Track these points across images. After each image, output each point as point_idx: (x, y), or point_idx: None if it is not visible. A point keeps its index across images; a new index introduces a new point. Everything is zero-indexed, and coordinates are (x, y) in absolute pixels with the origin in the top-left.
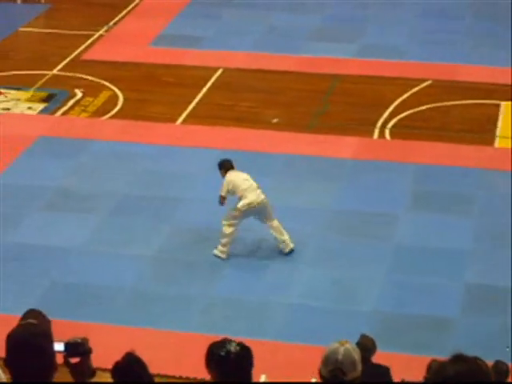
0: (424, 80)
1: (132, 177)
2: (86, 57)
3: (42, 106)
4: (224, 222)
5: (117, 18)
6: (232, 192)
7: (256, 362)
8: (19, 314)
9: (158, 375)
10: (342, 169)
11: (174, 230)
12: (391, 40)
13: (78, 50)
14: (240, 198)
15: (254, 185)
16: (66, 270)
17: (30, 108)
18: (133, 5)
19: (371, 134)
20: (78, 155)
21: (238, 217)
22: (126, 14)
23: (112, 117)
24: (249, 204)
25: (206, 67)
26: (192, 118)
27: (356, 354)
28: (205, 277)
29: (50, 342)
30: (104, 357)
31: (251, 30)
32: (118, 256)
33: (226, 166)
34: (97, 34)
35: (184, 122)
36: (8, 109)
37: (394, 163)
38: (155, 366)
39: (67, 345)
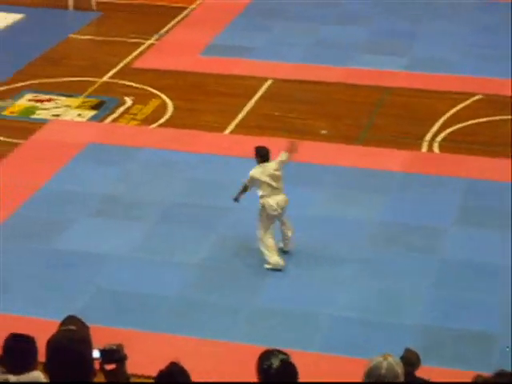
0: (473, 94)
1: (179, 185)
2: (136, 65)
3: (91, 113)
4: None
5: (168, 27)
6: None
7: (300, 374)
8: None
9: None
10: (390, 182)
11: (220, 238)
12: (441, 53)
13: (129, 58)
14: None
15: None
16: (111, 277)
17: (79, 115)
18: (184, 14)
19: (420, 147)
20: (126, 163)
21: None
22: (177, 23)
23: (161, 125)
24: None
25: (255, 77)
26: (240, 128)
27: (399, 368)
28: (250, 286)
29: (89, 348)
30: (147, 364)
31: (301, 41)
32: (164, 264)
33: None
34: (147, 43)
35: (232, 131)
36: (58, 115)
37: (443, 177)
38: (197, 374)
39: (103, 351)
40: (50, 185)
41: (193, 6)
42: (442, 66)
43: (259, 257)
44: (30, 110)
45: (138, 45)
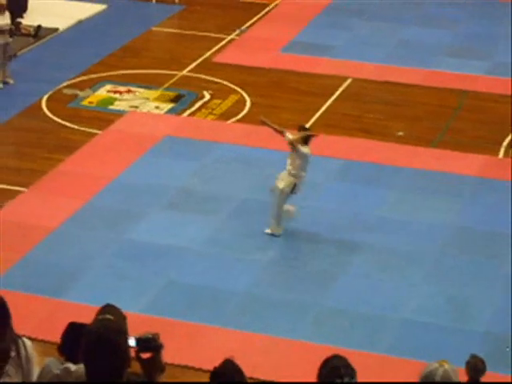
0: None
1: (254, 181)
2: (216, 59)
3: (169, 105)
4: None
5: (249, 23)
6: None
7: (365, 374)
8: (133, 311)
9: (263, 382)
10: (465, 186)
11: (293, 237)
12: None
13: (209, 53)
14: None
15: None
16: (182, 270)
17: (157, 107)
18: (266, 10)
19: (497, 152)
20: (202, 157)
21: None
22: (259, 19)
23: (238, 121)
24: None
25: (335, 76)
26: (318, 127)
27: (454, 376)
28: (320, 286)
29: (125, 339)
30: (213, 358)
31: (382, 42)
32: (235, 260)
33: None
34: (229, 38)
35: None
36: (136, 107)
37: None
38: (262, 371)
39: (139, 340)
40: (124, 176)
41: (276, 2)
42: None
43: (331, 257)
44: (109, 101)
45: (220, 39)
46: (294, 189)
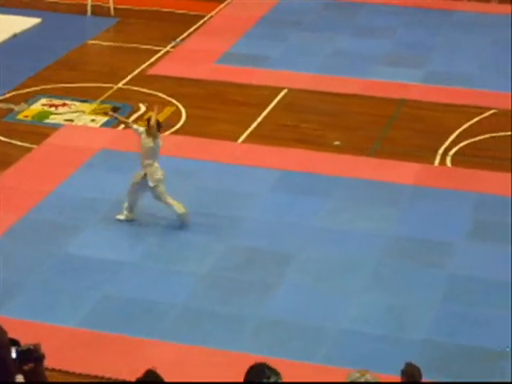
0: (489, 109)
1: (190, 193)
2: (151, 72)
3: (105, 119)
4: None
5: (184, 35)
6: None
7: None
8: (69, 325)
9: None
10: (402, 195)
11: (229, 248)
12: (458, 67)
13: (145, 65)
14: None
15: None
16: (118, 283)
17: (93, 120)
18: (200, 22)
19: (433, 160)
20: (138, 169)
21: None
22: (194, 31)
23: (174, 133)
24: None
25: (270, 87)
26: (254, 137)
27: None
28: (257, 297)
29: (9, 352)
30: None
31: (317, 52)
32: (172, 272)
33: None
34: (164, 50)
35: (246, 140)
36: (71, 120)
37: (455, 191)
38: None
39: (19, 352)
40: (61, 189)
41: (210, 14)
42: (458, 80)
43: (268, 267)
44: (44, 115)
45: (155, 52)
46: (144, 178)
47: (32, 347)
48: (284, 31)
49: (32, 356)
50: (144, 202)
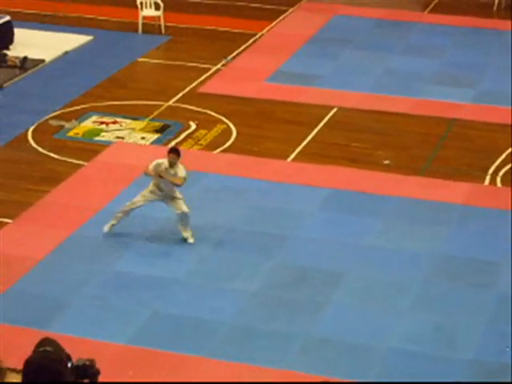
0: None
1: (239, 211)
2: (202, 90)
3: (155, 136)
4: None
5: (235, 53)
6: None
7: None
8: (119, 342)
9: None
10: (451, 214)
11: (278, 266)
12: (509, 87)
13: (195, 83)
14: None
15: None
16: (167, 300)
17: (143, 138)
18: (251, 41)
19: (483, 180)
20: (189, 187)
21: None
22: (244, 49)
23: (224, 151)
24: None
25: (320, 105)
26: (304, 156)
27: None
28: (306, 315)
29: (66, 368)
30: None
31: (368, 70)
32: (220, 290)
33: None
34: (214, 68)
35: (295, 159)
36: (122, 138)
37: (504, 211)
38: None
39: (76, 367)
40: (110, 207)
41: (261, 32)
42: (509, 100)
43: (317, 286)
44: (94, 132)
45: (205, 70)
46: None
47: (88, 363)
48: (334, 50)
49: (88, 372)
50: (194, 219)
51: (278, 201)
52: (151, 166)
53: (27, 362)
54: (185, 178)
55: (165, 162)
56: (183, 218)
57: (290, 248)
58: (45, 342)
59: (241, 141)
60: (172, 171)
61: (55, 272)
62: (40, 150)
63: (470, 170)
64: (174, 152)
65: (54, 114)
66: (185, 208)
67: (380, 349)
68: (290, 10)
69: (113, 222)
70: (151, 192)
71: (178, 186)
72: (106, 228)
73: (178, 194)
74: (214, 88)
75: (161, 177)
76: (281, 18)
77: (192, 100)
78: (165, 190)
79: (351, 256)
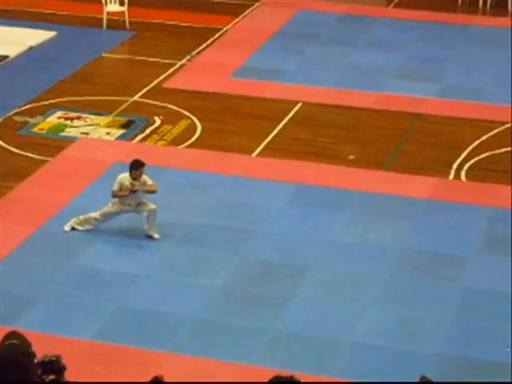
0: (504, 123)
1: (205, 207)
2: (167, 85)
3: (120, 131)
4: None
5: (200, 48)
6: None
7: None
8: (84, 338)
9: None
10: (416, 208)
11: (244, 261)
12: (473, 81)
13: (160, 78)
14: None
15: None
16: (132, 296)
17: (108, 133)
18: (216, 36)
19: (447, 174)
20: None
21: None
22: (209, 44)
23: (189, 146)
24: None
25: (285, 100)
26: (269, 151)
27: None
28: (271, 310)
29: (33, 361)
30: None
31: (332, 65)
32: (186, 285)
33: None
34: (179, 63)
35: (261, 154)
36: (87, 133)
37: (469, 205)
38: None
39: (42, 363)
40: (75, 202)
41: (226, 27)
42: (474, 94)
43: (282, 281)
44: (59, 128)
45: (170, 65)
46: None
47: (54, 358)
48: (299, 45)
49: (54, 367)
50: (158, 215)
51: (243, 196)
52: (118, 186)
53: None
54: (154, 183)
55: (125, 175)
56: (151, 216)
57: (255, 243)
58: (11, 335)
59: (206, 136)
60: (138, 182)
61: (20, 268)
62: (4, 145)
63: (435, 165)
64: (141, 165)
65: (19, 109)
66: (152, 206)
67: (345, 343)
68: (255, 4)
69: (78, 226)
70: (120, 210)
71: (153, 193)
72: (66, 227)
73: (143, 198)
74: (178, 83)
75: (134, 192)
76: (246, 12)
77: (157, 95)
78: (132, 203)
79: (317, 250)
